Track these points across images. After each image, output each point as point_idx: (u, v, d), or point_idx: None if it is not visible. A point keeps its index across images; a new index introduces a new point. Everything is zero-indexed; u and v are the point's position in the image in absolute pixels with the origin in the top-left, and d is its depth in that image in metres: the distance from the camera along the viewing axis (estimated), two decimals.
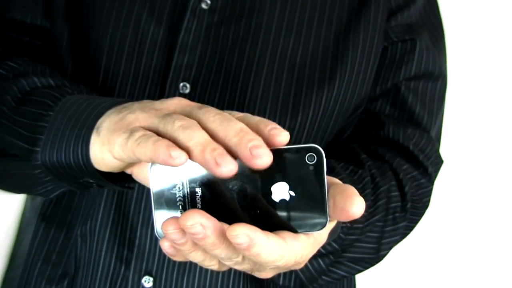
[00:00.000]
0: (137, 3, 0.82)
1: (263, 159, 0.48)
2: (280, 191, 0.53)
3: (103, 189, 0.82)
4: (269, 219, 0.53)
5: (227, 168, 0.47)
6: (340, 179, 0.56)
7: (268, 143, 0.50)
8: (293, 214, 0.53)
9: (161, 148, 0.48)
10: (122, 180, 0.65)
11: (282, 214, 0.53)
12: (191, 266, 0.81)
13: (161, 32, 0.81)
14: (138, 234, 0.81)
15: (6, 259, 0.96)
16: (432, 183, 0.88)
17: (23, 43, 0.84)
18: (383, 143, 0.87)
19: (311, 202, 0.53)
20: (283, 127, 0.78)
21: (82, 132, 0.59)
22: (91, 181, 0.63)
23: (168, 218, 0.51)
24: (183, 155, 0.48)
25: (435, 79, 0.90)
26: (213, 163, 0.47)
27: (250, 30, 0.81)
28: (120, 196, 0.81)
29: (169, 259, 0.80)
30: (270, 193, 0.53)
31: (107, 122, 0.57)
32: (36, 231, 0.87)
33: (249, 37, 0.81)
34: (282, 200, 0.53)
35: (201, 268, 0.81)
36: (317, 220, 0.54)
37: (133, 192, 0.81)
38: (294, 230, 0.54)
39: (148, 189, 0.79)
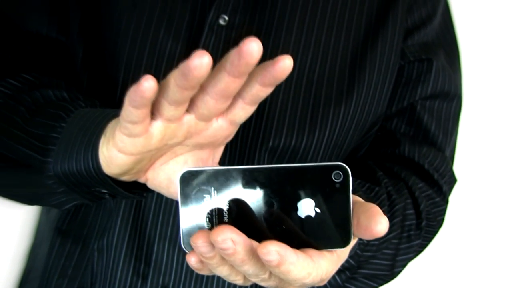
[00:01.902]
0: (155, 19, 0.82)
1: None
2: (306, 207, 0.54)
3: (119, 204, 0.82)
4: (294, 235, 0.54)
5: (199, 59, 0.46)
6: (357, 196, 0.57)
7: (274, 74, 0.49)
8: (318, 230, 0.54)
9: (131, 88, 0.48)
10: (135, 189, 0.65)
11: (307, 230, 0.54)
12: (207, 280, 0.81)
13: (178, 48, 0.81)
14: (155, 249, 0.81)
15: (20, 272, 0.96)
16: (446, 202, 0.89)
17: (39, 56, 0.84)
18: (399, 161, 0.88)
19: (336, 219, 0.54)
20: (300, 144, 0.80)
21: (91, 139, 0.59)
22: (103, 190, 0.64)
23: (198, 231, 0.51)
24: (149, 76, 0.47)
25: (450, 98, 0.91)
26: (184, 62, 0.46)
27: (268, 47, 0.82)
28: (137, 211, 0.81)
29: (186, 274, 0.80)
30: (296, 209, 0.54)
31: (112, 123, 0.58)
32: (52, 245, 0.87)
33: (267, 54, 0.81)
34: (308, 217, 0.54)
35: (217, 282, 0.81)
36: (341, 238, 0.54)
37: (150, 207, 0.81)
38: (318, 247, 0.54)
39: (165, 204, 0.79)
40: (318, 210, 0.54)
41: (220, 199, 0.53)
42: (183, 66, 0.46)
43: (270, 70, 0.49)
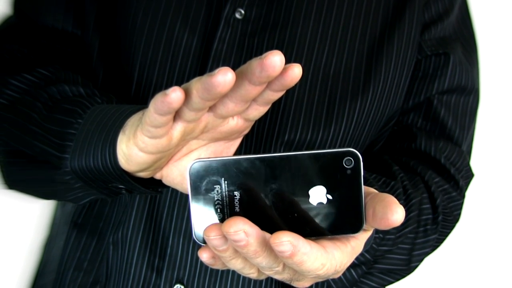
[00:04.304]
0: (171, 13, 0.82)
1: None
2: (318, 194, 0.54)
3: (134, 197, 0.82)
4: (307, 223, 0.54)
5: (223, 76, 0.47)
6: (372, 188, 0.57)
7: (283, 82, 0.50)
8: (330, 217, 0.54)
9: (156, 95, 0.49)
10: (152, 185, 0.65)
11: (319, 217, 0.54)
12: (222, 274, 0.81)
13: (194, 42, 0.82)
14: (170, 242, 0.81)
15: (36, 265, 0.97)
16: (463, 197, 0.88)
17: (55, 50, 0.85)
18: (415, 155, 0.87)
19: (348, 205, 0.54)
20: (316, 138, 0.80)
21: (109, 135, 0.60)
22: (120, 186, 0.64)
23: (211, 224, 0.51)
24: (176, 87, 0.48)
25: (467, 93, 0.90)
26: (208, 77, 0.47)
27: (284, 41, 0.81)
28: (152, 204, 0.82)
29: (201, 268, 0.81)
30: (308, 196, 0.54)
31: (132, 121, 0.58)
32: (68, 238, 0.88)
33: (282, 48, 0.81)
34: (320, 204, 0.54)
35: (232, 276, 0.81)
36: (354, 223, 0.54)
37: (165, 200, 0.81)
38: (331, 233, 0.54)
39: (180, 197, 0.80)
40: (329, 197, 0.54)
41: (231, 189, 0.53)
42: (206, 81, 0.47)
43: (280, 78, 0.50)
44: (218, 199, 0.54)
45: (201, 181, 0.53)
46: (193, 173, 0.53)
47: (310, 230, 0.54)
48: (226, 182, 0.53)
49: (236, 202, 0.54)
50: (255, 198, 0.53)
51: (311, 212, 0.54)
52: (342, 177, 0.53)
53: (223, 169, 0.53)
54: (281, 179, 0.53)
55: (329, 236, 0.55)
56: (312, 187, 0.53)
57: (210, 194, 0.54)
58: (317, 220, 0.54)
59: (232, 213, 0.54)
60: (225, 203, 0.54)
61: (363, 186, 0.54)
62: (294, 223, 0.53)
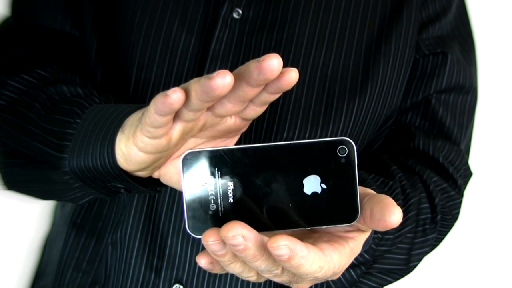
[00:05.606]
0: (169, 13, 0.82)
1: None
2: (312, 184, 0.54)
3: (132, 197, 0.82)
4: (301, 212, 0.54)
5: (221, 79, 0.47)
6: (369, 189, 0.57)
7: (279, 86, 0.51)
8: (325, 207, 0.54)
9: (157, 96, 0.50)
10: (150, 184, 0.66)
11: (314, 207, 0.54)
12: (221, 275, 0.81)
13: (192, 41, 0.82)
14: (168, 242, 0.81)
15: (36, 265, 0.97)
16: (462, 196, 0.88)
17: (53, 51, 0.84)
18: (413, 155, 0.87)
19: (343, 194, 0.54)
20: (314, 137, 0.80)
21: (108, 135, 0.60)
22: (119, 185, 0.64)
23: (209, 229, 0.51)
24: (177, 88, 0.49)
25: (465, 92, 0.90)
26: (207, 79, 0.48)
27: (281, 40, 0.81)
28: (151, 204, 0.82)
29: (200, 268, 0.80)
30: (302, 186, 0.54)
31: (131, 120, 0.59)
32: (67, 239, 0.88)
33: (280, 47, 0.81)
34: (314, 193, 0.54)
35: (231, 276, 0.81)
36: (349, 213, 0.54)
37: (164, 200, 0.81)
38: (326, 223, 0.54)
39: (179, 197, 0.80)
40: (324, 186, 0.54)
41: (224, 180, 0.53)
42: (205, 84, 0.48)
43: (276, 82, 0.50)
44: (211, 190, 0.53)
45: (194, 171, 0.53)
46: (186, 164, 0.53)
47: (305, 220, 0.54)
48: (219, 172, 0.53)
49: (230, 193, 0.53)
50: (249, 188, 0.53)
51: (306, 202, 0.54)
52: (336, 166, 0.53)
53: (216, 159, 0.53)
54: (275, 169, 0.53)
55: (325, 227, 0.55)
56: (306, 176, 0.53)
57: (203, 185, 0.53)
58: (311, 210, 0.54)
59: (226, 204, 0.54)
60: (218, 194, 0.54)
61: (357, 175, 0.54)
62: (288, 213, 0.53)
